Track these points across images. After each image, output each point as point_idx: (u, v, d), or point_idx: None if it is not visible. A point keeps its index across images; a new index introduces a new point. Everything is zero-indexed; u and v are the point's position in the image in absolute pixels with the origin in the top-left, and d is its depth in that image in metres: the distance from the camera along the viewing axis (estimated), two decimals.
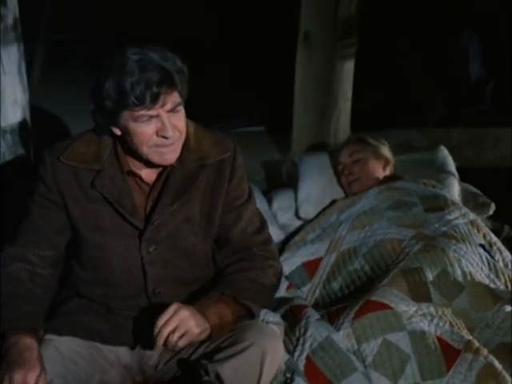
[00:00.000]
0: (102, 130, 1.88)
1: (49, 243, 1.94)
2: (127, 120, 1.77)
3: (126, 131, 1.81)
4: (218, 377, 1.71)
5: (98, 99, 1.77)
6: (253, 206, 2.04)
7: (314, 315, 2.18)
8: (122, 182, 1.89)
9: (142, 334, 1.87)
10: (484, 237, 2.48)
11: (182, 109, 1.82)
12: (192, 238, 1.94)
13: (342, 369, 2.00)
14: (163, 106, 1.75)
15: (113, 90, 1.73)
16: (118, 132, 1.83)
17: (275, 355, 1.82)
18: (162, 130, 1.78)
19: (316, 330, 2.09)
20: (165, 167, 1.89)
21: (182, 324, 1.69)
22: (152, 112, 1.75)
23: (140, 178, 1.90)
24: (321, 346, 2.05)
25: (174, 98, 1.78)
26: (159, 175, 1.91)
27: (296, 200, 3.01)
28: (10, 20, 2.61)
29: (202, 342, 1.84)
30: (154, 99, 1.72)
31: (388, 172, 2.89)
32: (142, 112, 1.74)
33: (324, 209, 2.85)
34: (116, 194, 1.87)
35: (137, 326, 1.93)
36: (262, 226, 2.05)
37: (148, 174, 1.91)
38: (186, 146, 1.90)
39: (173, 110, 1.78)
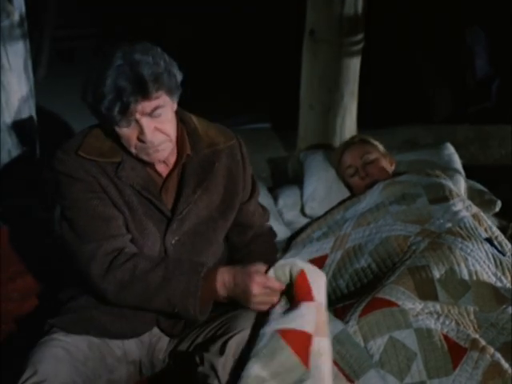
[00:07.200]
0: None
1: (122, 225, 1.88)
2: (110, 123, 1.77)
3: (114, 131, 1.80)
4: (213, 367, 1.73)
5: (84, 99, 1.77)
6: (257, 191, 2.19)
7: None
8: (143, 171, 1.89)
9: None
10: (485, 231, 2.47)
11: (165, 111, 1.79)
12: (213, 223, 1.98)
13: (360, 364, 1.98)
14: (138, 111, 1.73)
15: (90, 94, 1.72)
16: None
17: None
18: (141, 134, 1.77)
19: (332, 324, 2.08)
20: (178, 158, 1.92)
21: None
22: (129, 117, 1.74)
23: (154, 167, 1.91)
24: (337, 338, 2.02)
25: (154, 102, 1.75)
26: (175, 165, 1.93)
27: (301, 197, 3.02)
28: (16, 17, 2.62)
29: (199, 334, 1.89)
30: (123, 110, 1.71)
31: (394, 168, 2.91)
32: (118, 117, 1.73)
33: (332, 208, 2.85)
34: (142, 183, 1.87)
35: (148, 318, 1.93)
36: (263, 205, 2.26)
37: (160, 165, 1.93)
38: (196, 134, 1.93)
39: (150, 114, 1.76)
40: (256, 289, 1.77)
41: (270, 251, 2.22)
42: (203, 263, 1.84)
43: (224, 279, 1.80)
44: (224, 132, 2.03)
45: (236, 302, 1.84)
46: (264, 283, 1.77)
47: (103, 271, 1.82)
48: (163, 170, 1.94)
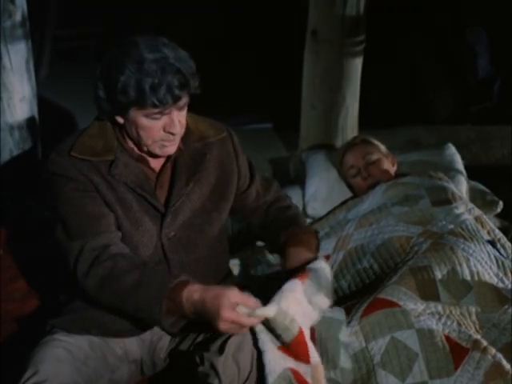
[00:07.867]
0: (105, 118, 1.89)
1: (112, 223, 1.89)
2: (137, 114, 1.79)
3: (132, 123, 1.82)
4: (213, 366, 1.73)
5: (110, 91, 1.78)
6: (257, 172, 2.20)
7: None
8: (136, 168, 1.91)
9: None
10: (488, 233, 2.47)
11: (186, 106, 1.86)
12: (207, 216, 1.98)
13: None
14: (177, 105, 1.79)
15: (131, 88, 1.73)
16: (121, 120, 1.85)
17: None
18: (170, 126, 1.81)
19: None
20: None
21: None
22: (165, 110, 1.78)
23: (148, 164, 1.93)
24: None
25: (186, 98, 1.82)
26: (166, 160, 1.95)
27: (303, 197, 3.01)
28: (18, 17, 2.62)
29: (200, 333, 1.89)
30: (176, 101, 1.76)
31: (396, 168, 2.91)
32: (158, 110, 1.77)
33: (334, 208, 2.85)
34: (135, 179, 1.89)
35: None
36: (267, 178, 2.31)
37: (154, 161, 1.95)
38: (186, 128, 1.94)
39: (180, 108, 1.82)
40: (223, 325, 1.67)
41: (288, 211, 2.22)
42: (178, 276, 1.78)
43: (193, 297, 1.70)
44: (214, 125, 2.06)
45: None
46: (231, 319, 1.66)
47: (87, 267, 1.82)
48: (156, 165, 1.96)
